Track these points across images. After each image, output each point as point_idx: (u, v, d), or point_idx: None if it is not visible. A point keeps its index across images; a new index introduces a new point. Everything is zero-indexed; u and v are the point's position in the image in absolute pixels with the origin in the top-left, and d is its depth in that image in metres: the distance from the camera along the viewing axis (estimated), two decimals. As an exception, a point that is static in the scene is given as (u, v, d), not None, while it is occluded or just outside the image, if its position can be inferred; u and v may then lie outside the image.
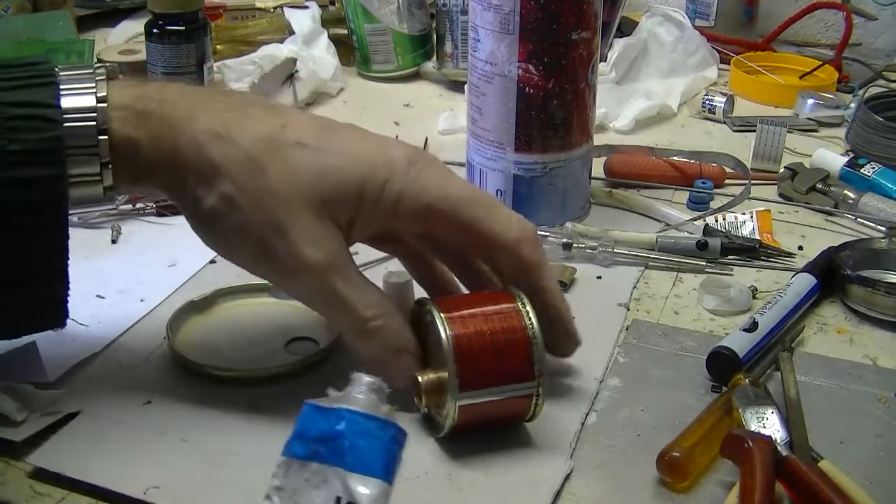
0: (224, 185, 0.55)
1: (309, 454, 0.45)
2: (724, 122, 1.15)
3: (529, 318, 0.58)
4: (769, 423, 0.59)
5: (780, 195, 0.96)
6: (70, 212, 0.55)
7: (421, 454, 0.60)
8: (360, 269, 0.81)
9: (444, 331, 0.57)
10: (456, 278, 0.66)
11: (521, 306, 0.59)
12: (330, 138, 0.58)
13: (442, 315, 0.57)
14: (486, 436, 0.61)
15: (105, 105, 0.56)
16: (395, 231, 0.63)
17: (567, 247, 0.82)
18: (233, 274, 0.62)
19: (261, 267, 0.59)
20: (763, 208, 0.91)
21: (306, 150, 0.57)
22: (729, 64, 1.27)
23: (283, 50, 1.20)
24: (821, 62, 1.26)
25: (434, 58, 1.27)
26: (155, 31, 1.09)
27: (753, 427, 0.59)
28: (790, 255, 0.84)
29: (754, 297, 0.77)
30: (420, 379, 0.57)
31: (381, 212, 0.58)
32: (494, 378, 0.57)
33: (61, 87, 0.55)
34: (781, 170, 0.99)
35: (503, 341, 0.57)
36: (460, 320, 0.57)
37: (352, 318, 0.58)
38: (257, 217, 0.55)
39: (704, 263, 0.82)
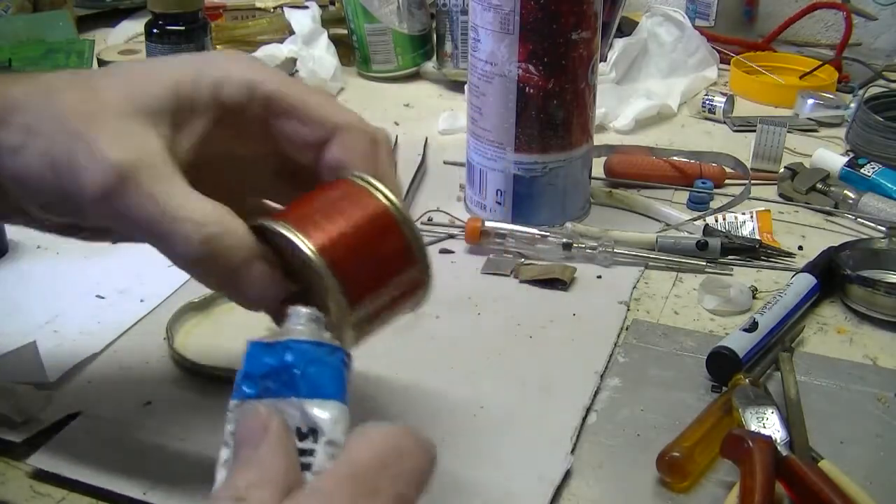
0: (22, 116, 0.48)
1: (259, 392, 0.42)
2: (724, 122, 1.15)
3: (384, 195, 0.49)
4: (769, 423, 0.59)
5: (780, 195, 0.96)
6: None
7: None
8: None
9: (304, 246, 0.46)
10: None
11: (367, 186, 0.49)
12: (142, 62, 0.53)
13: (290, 227, 0.47)
14: (486, 434, 0.61)
15: None
16: (231, 165, 0.55)
17: (567, 247, 0.82)
18: (233, 274, 0.62)
19: (68, 190, 0.48)
20: (763, 208, 0.91)
21: (110, 76, 0.51)
22: (729, 64, 1.27)
23: (283, 50, 1.20)
24: (821, 62, 1.26)
25: (434, 58, 1.27)
26: (155, 31, 1.09)
27: (753, 427, 0.59)
28: (790, 255, 0.84)
29: (754, 297, 0.77)
30: (305, 310, 0.46)
31: (204, 102, 0.50)
32: (379, 275, 0.49)
33: None
34: (781, 170, 0.99)
35: (369, 229, 0.48)
36: (313, 225, 0.47)
37: (178, 228, 0.47)
38: (58, 137, 0.47)
39: (704, 263, 0.82)
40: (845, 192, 0.93)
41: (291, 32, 1.25)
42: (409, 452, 0.40)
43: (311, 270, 0.46)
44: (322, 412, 0.41)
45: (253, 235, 0.48)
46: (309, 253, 0.46)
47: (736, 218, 0.89)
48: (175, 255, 0.48)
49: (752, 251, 0.83)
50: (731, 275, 0.81)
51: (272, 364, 0.42)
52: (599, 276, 0.81)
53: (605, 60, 1.19)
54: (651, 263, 0.82)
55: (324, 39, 1.25)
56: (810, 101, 1.15)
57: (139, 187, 0.47)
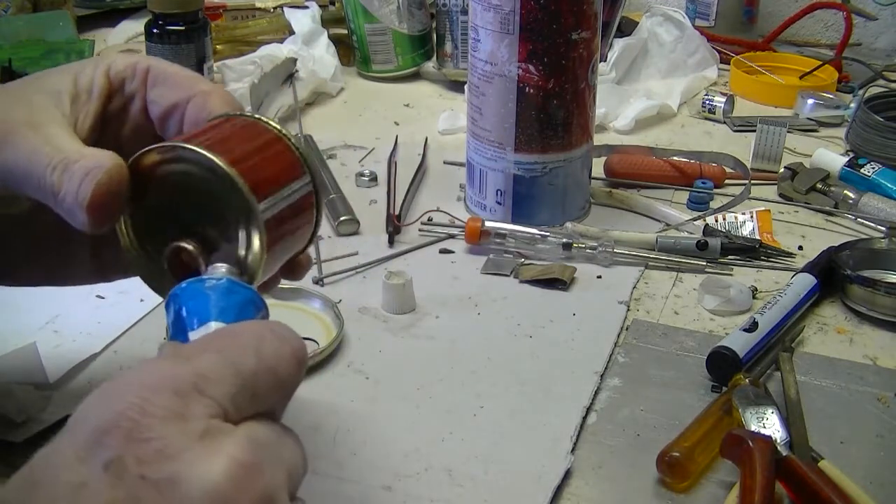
0: None
1: None
2: (724, 122, 1.14)
3: (269, 122, 0.50)
4: (769, 423, 0.59)
5: (780, 195, 0.96)
6: None
7: (421, 450, 0.60)
8: (360, 268, 0.81)
9: (204, 152, 0.46)
10: None
11: (252, 118, 0.50)
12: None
13: (194, 142, 0.47)
14: (486, 434, 0.61)
15: None
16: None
17: (567, 247, 0.82)
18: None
19: None
20: (763, 208, 0.91)
21: (23, 82, 0.55)
22: (729, 64, 1.27)
23: (283, 50, 1.20)
24: (821, 62, 1.26)
25: (434, 58, 1.27)
26: (155, 31, 1.09)
27: (753, 427, 0.59)
28: (790, 255, 0.84)
29: (754, 297, 0.77)
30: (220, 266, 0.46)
31: (100, 85, 0.53)
32: (275, 178, 0.48)
33: None
34: (781, 170, 0.99)
35: (253, 136, 0.49)
36: (213, 141, 0.47)
37: (43, 162, 0.48)
38: None
39: (704, 263, 0.82)
40: (845, 192, 0.93)
41: (291, 32, 1.25)
42: (248, 332, 0.39)
43: (215, 177, 0.46)
44: (197, 336, 0.41)
45: (116, 161, 0.48)
46: (208, 154, 0.45)
47: (736, 218, 0.89)
48: (45, 194, 0.48)
49: (752, 251, 0.83)
50: (731, 275, 0.81)
51: (172, 318, 0.43)
52: (599, 276, 0.81)
53: (605, 60, 1.19)
54: (651, 263, 0.82)
55: (324, 39, 1.25)
56: (810, 101, 1.15)
57: (24, 137, 0.48)
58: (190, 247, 0.47)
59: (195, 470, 0.33)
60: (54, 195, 0.48)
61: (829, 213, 0.92)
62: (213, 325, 0.42)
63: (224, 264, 0.46)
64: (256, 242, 0.46)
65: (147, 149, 0.48)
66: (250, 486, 0.34)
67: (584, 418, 0.63)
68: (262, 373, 0.38)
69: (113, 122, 0.54)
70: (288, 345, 0.39)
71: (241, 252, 0.47)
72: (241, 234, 0.46)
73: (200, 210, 0.47)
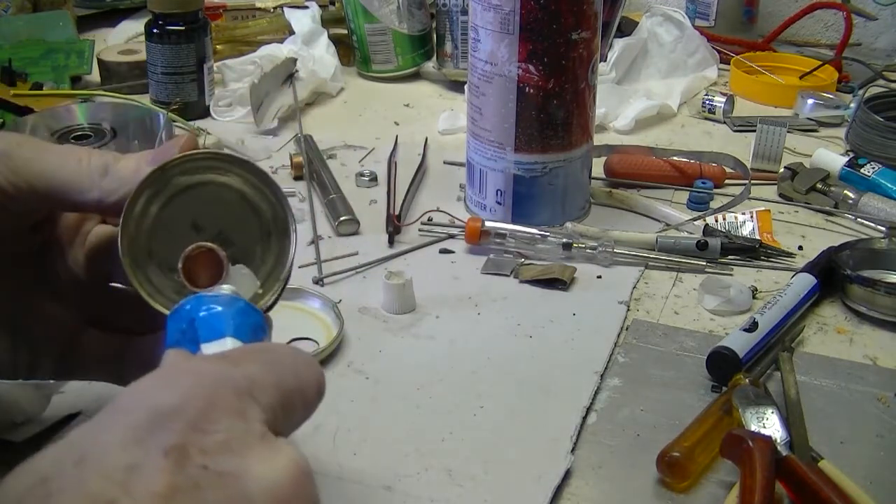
0: None
1: None
2: (724, 122, 1.14)
3: None
4: (769, 423, 0.59)
5: (780, 195, 0.96)
6: None
7: (421, 450, 0.60)
8: (360, 268, 0.81)
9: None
10: None
11: None
12: None
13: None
14: (486, 434, 0.61)
15: None
16: None
17: (567, 247, 0.82)
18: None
19: None
20: (763, 208, 0.91)
21: None
22: (729, 64, 1.27)
23: (283, 50, 1.20)
24: (821, 62, 1.26)
25: (434, 58, 1.27)
26: (155, 31, 1.09)
27: (753, 427, 0.59)
28: (790, 255, 0.84)
29: (754, 297, 0.77)
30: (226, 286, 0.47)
31: None
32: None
33: None
34: (781, 170, 0.99)
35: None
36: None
37: (86, 158, 0.49)
38: None
39: (704, 263, 0.82)
40: (845, 192, 0.93)
41: (291, 32, 1.25)
42: (285, 351, 0.40)
43: (269, 195, 0.49)
44: (211, 348, 0.42)
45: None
46: (268, 174, 0.49)
47: (736, 218, 0.89)
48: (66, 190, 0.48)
49: (752, 251, 0.83)
50: (731, 275, 0.81)
51: (182, 327, 0.43)
52: (599, 276, 0.81)
53: (605, 60, 1.19)
54: (651, 263, 0.82)
55: (324, 39, 1.25)
56: (810, 101, 1.15)
57: (58, 148, 0.50)
58: (215, 247, 0.47)
59: (259, 467, 0.34)
60: (108, 165, 0.47)
61: (829, 213, 0.92)
62: (229, 342, 0.42)
63: (230, 286, 0.46)
64: (280, 264, 0.49)
65: (199, 152, 0.48)
66: (307, 490, 0.35)
67: (584, 418, 0.63)
68: (295, 391, 0.39)
69: None
70: (314, 372, 0.40)
71: (264, 272, 0.49)
72: (267, 254, 0.49)
73: (229, 226, 0.49)
